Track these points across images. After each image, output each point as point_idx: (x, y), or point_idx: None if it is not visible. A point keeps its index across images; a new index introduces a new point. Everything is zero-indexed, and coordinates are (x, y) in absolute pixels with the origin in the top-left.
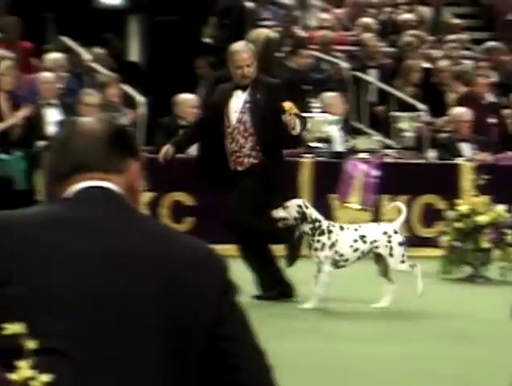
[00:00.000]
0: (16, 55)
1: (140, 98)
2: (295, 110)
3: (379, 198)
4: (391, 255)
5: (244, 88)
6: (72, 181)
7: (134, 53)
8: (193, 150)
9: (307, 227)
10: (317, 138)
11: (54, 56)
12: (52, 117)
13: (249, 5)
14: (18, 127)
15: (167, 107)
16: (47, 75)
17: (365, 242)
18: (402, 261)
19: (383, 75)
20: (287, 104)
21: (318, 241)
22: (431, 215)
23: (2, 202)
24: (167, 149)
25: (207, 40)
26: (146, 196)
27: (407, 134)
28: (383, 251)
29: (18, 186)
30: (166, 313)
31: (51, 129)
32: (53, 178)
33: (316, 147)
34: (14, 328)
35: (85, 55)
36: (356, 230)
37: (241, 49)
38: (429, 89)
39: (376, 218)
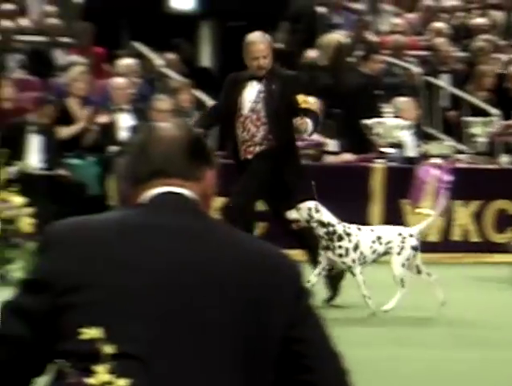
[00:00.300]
0: (89, 61)
1: (212, 103)
2: (309, 104)
3: (451, 203)
4: (398, 254)
5: (259, 79)
6: (149, 186)
7: (206, 58)
8: None
9: (321, 231)
10: (389, 143)
11: (126, 62)
12: (124, 122)
13: (321, 10)
14: (91, 132)
15: None
16: (119, 80)
17: (380, 243)
18: (403, 265)
19: (456, 80)
20: (301, 97)
21: (340, 247)
22: (504, 221)
23: (75, 207)
24: None
25: (278, 45)
26: (219, 201)
27: (480, 139)
28: (394, 251)
29: (91, 191)
30: (239, 318)
31: (123, 134)
32: (130, 183)
33: (388, 152)
34: (91, 333)
35: (157, 60)
36: (372, 231)
37: (257, 40)
38: (502, 94)
39: (448, 223)
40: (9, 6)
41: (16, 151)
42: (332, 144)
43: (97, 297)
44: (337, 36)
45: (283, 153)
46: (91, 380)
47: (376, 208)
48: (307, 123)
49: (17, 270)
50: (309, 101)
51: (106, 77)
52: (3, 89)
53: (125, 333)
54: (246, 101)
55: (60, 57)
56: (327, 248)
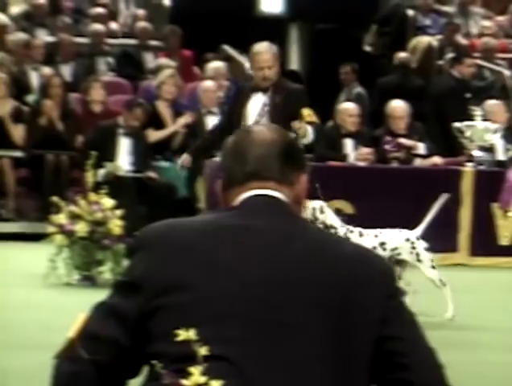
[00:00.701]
0: (177, 64)
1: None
2: (313, 118)
3: None
4: (419, 261)
5: (264, 91)
6: (244, 188)
7: (295, 61)
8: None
9: None
10: (479, 147)
11: (215, 65)
12: (213, 124)
13: (410, 13)
14: (180, 135)
15: (327, 115)
16: (208, 83)
17: (385, 249)
18: (433, 267)
19: None
20: (306, 111)
21: None
22: None
23: (164, 209)
24: (184, 158)
25: (367, 48)
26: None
27: None
28: (409, 258)
29: (179, 193)
30: (332, 319)
31: None
32: (224, 185)
33: (478, 156)
34: (186, 334)
35: (246, 63)
36: (376, 236)
37: (263, 50)
38: None
39: None
40: (100, 10)
41: (106, 154)
42: (421, 147)
43: (189, 298)
44: (428, 39)
45: None
46: (186, 382)
47: (466, 212)
48: (306, 129)
49: (106, 272)
50: (313, 115)
51: (195, 80)
52: (94, 92)
53: (217, 335)
54: (251, 114)
55: (150, 60)
56: None
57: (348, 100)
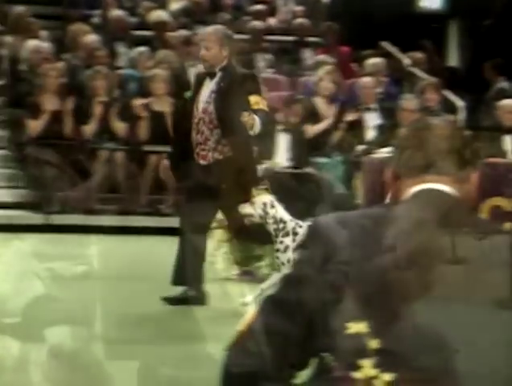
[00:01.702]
0: (335, 60)
1: (460, 103)
2: (261, 105)
3: None
4: None
5: (212, 77)
6: (418, 180)
7: (453, 58)
8: None
9: (271, 228)
10: None
11: (374, 61)
12: (371, 121)
13: None
14: (338, 131)
15: (485, 112)
16: (366, 80)
17: None
18: None
19: None
20: (253, 98)
21: (281, 243)
22: None
23: (322, 205)
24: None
25: None
26: None
27: None
28: None
29: (337, 189)
30: (496, 322)
31: (370, 133)
32: (397, 174)
33: None
34: (357, 327)
35: (405, 59)
36: None
37: (207, 31)
38: None
39: None
40: (259, 7)
41: (265, 149)
42: None
43: (360, 291)
44: None
45: (237, 159)
46: (357, 375)
47: None
48: (255, 119)
49: (265, 267)
50: (262, 102)
51: (353, 76)
52: None
53: (388, 328)
54: (201, 101)
55: (308, 56)
56: (273, 243)
57: (492, 96)
